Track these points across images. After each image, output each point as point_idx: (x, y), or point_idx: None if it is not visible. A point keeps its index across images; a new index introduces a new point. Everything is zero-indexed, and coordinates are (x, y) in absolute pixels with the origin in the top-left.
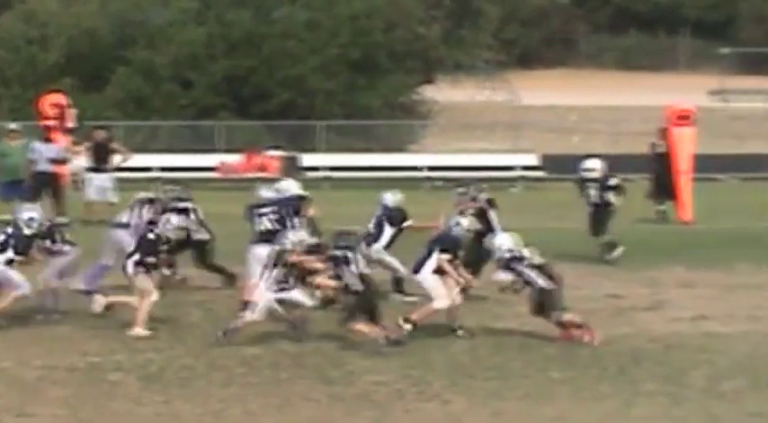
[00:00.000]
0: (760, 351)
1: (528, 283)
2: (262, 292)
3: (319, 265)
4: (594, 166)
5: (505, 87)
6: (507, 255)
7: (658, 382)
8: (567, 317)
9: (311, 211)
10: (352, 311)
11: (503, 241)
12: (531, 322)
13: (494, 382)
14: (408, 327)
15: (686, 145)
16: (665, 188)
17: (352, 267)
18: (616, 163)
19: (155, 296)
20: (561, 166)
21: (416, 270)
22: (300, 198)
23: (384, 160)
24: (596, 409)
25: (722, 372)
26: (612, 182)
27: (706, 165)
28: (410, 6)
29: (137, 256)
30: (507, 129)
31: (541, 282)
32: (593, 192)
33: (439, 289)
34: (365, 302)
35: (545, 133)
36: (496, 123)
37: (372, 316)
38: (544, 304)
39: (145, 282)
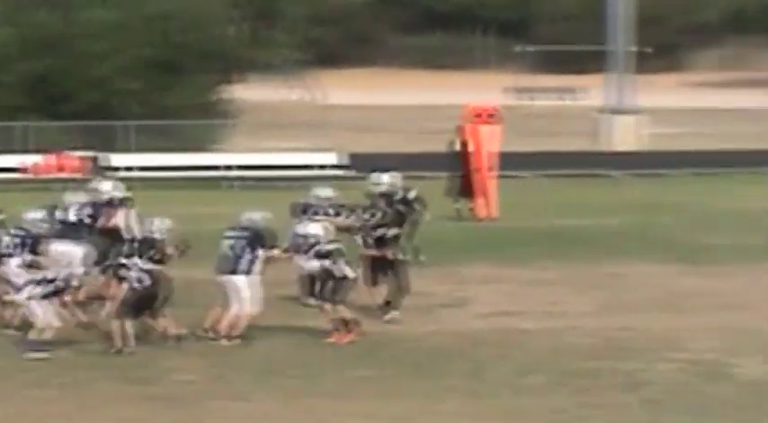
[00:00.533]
0: (562, 346)
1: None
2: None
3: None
4: (383, 181)
5: (312, 86)
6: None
7: (462, 378)
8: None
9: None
10: (127, 306)
11: (313, 230)
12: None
13: (299, 379)
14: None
15: (487, 143)
16: (461, 186)
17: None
18: (419, 161)
19: None
20: (367, 164)
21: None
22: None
23: (192, 160)
24: (401, 406)
25: (525, 367)
26: (412, 195)
27: (508, 162)
28: (215, 7)
29: None
30: (314, 128)
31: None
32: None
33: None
34: (147, 298)
35: (351, 132)
36: (303, 122)
37: (151, 310)
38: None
39: None
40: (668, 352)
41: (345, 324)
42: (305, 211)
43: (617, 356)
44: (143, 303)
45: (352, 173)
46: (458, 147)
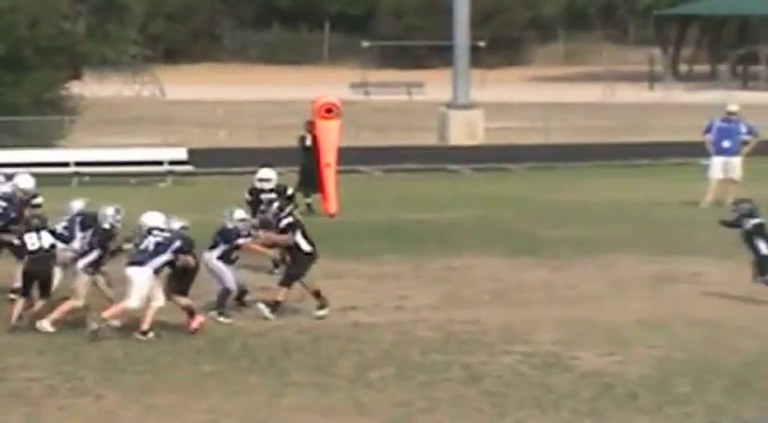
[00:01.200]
0: (406, 340)
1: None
2: None
3: None
4: (270, 176)
5: (152, 82)
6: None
7: (308, 373)
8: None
9: None
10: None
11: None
12: (183, 316)
13: (146, 376)
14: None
15: (331, 137)
16: (311, 181)
17: None
18: (264, 156)
19: None
20: (208, 159)
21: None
22: None
23: (33, 156)
24: (246, 401)
25: (370, 361)
26: (290, 191)
27: (350, 157)
28: (55, 1)
29: None
30: (155, 123)
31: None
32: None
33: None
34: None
35: (192, 127)
36: (144, 118)
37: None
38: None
39: None
40: (509, 345)
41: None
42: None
43: (460, 349)
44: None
45: (190, 168)
46: (309, 142)
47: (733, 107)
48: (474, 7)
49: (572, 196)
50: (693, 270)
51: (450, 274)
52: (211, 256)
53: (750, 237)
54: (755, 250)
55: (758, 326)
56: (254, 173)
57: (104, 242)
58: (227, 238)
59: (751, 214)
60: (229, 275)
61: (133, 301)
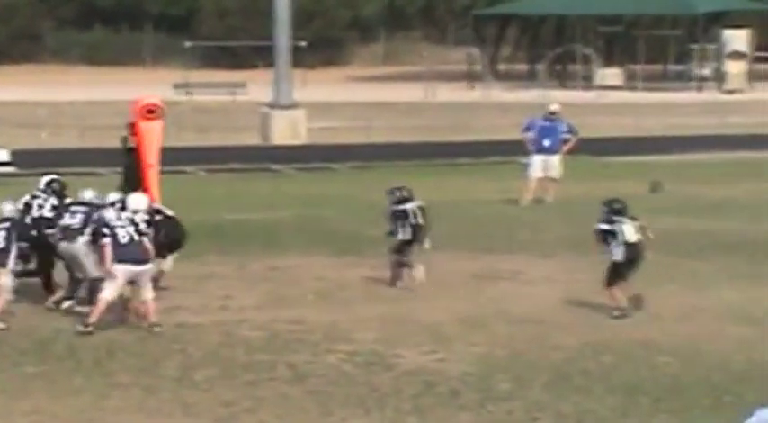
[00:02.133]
0: (231, 340)
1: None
2: None
3: None
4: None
5: None
6: None
7: (133, 374)
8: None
9: None
10: None
11: None
12: (7, 317)
13: None
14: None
15: (154, 138)
16: (135, 182)
17: None
18: (85, 157)
19: None
20: (32, 161)
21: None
22: None
23: None
24: (71, 403)
25: (195, 361)
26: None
27: (173, 157)
28: None
29: None
30: None
31: None
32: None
33: None
34: None
35: (15, 129)
36: None
37: None
38: None
39: None
40: (333, 344)
41: None
42: None
43: (285, 349)
44: None
45: (13, 170)
46: (132, 143)
47: (554, 107)
48: (295, 8)
49: None
50: (513, 268)
51: (275, 273)
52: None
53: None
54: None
55: (578, 323)
56: (82, 173)
57: None
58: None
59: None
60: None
61: None
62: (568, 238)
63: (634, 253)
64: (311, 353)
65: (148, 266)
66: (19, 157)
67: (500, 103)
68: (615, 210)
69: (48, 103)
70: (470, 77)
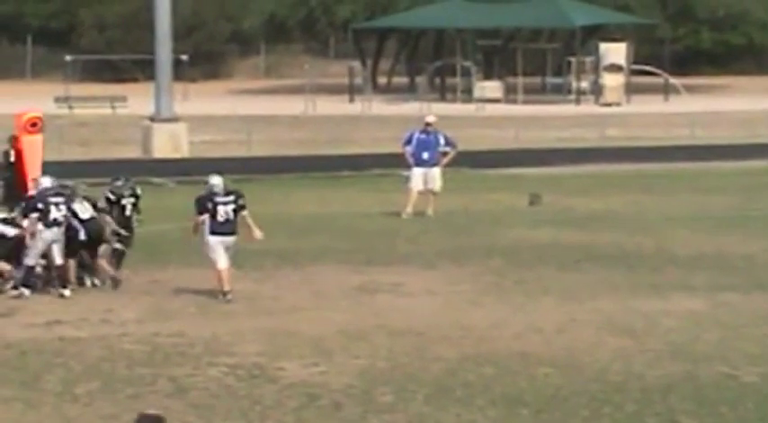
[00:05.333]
0: (113, 354)
1: None
2: None
3: None
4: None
5: None
6: None
7: (14, 388)
8: None
9: None
10: None
11: None
12: None
13: None
14: None
15: (37, 152)
16: (16, 196)
17: None
18: None
19: None
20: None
21: None
22: None
23: None
24: None
25: (77, 375)
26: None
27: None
28: None
29: None
30: None
31: None
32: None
33: None
34: None
35: None
36: None
37: None
38: None
39: None
40: (215, 357)
41: None
42: None
43: (166, 362)
44: None
45: None
46: (12, 157)
47: (430, 118)
48: (176, 20)
49: (274, 208)
50: (395, 280)
51: (156, 286)
52: None
53: None
54: None
55: (458, 334)
56: None
57: None
58: None
59: None
60: None
61: None
62: (448, 251)
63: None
64: (193, 366)
65: None
66: None
67: (380, 115)
68: None
69: None
70: (351, 90)
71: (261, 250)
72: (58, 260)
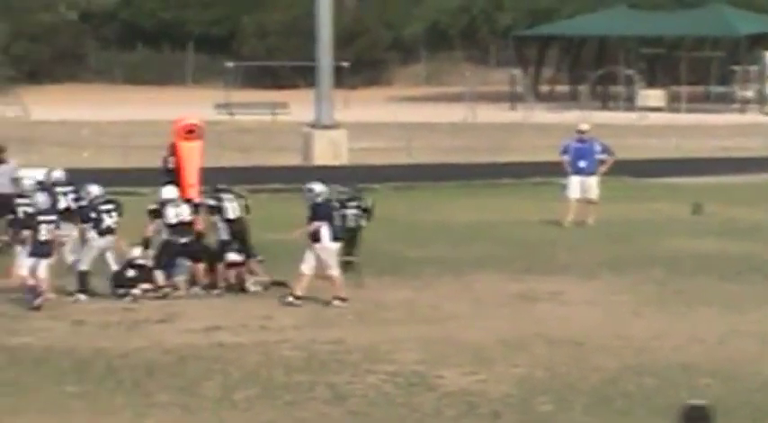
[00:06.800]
0: (271, 360)
1: None
2: None
3: None
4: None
5: (16, 103)
6: None
7: (172, 393)
8: None
9: None
10: None
11: None
12: (47, 336)
13: (9, 397)
14: None
15: (194, 158)
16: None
17: None
18: (127, 177)
19: None
20: (72, 180)
21: None
22: None
23: None
24: (111, 422)
25: (235, 381)
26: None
27: (214, 177)
28: None
29: None
30: (18, 144)
31: None
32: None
33: None
34: None
35: (56, 148)
36: (7, 138)
37: None
38: None
39: None
40: (373, 364)
41: None
42: None
43: (325, 369)
44: None
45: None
46: (172, 164)
47: (583, 126)
48: (337, 28)
49: (435, 216)
50: (554, 289)
51: (315, 293)
52: None
53: None
54: None
55: (618, 344)
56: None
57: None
58: None
59: None
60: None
61: None
62: (609, 260)
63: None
64: (351, 373)
65: None
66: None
67: (541, 124)
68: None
69: (90, 123)
70: (512, 98)
71: (420, 258)
72: (84, 266)
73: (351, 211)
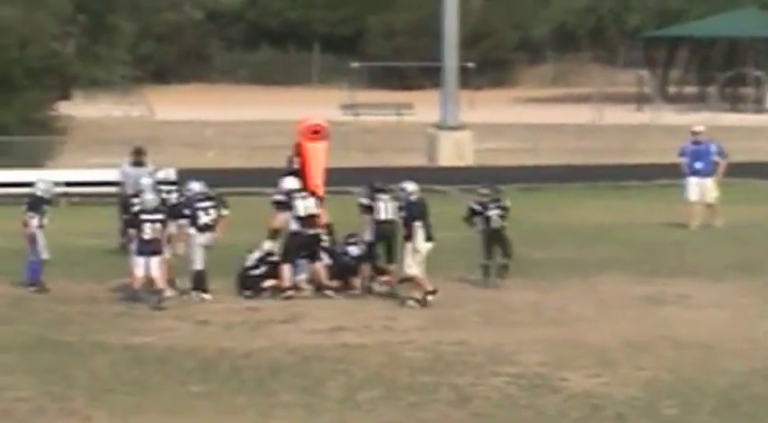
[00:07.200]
0: (395, 361)
1: None
2: None
3: None
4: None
5: (141, 103)
6: None
7: (296, 394)
8: None
9: None
10: None
11: None
12: (171, 336)
13: (134, 396)
14: None
15: (319, 159)
16: None
17: None
18: (251, 177)
19: None
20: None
21: None
22: None
23: (21, 176)
24: (235, 421)
25: (359, 382)
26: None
27: (339, 178)
28: (45, 22)
29: None
30: (144, 144)
31: None
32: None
33: None
34: None
35: (181, 148)
36: (133, 138)
37: None
38: None
39: None
40: (497, 366)
41: None
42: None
43: (449, 371)
44: None
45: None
46: (296, 164)
47: (698, 128)
48: (463, 28)
49: (561, 218)
50: (681, 291)
51: (439, 295)
52: None
53: None
54: None
55: (746, 347)
56: (247, 194)
57: None
58: None
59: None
60: None
61: None
62: (736, 262)
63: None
64: (475, 375)
65: None
66: (185, 177)
67: (669, 125)
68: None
69: (215, 123)
70: (639, 100)
71: (546, 260)
72: (198, 265)
73: (494, 213)
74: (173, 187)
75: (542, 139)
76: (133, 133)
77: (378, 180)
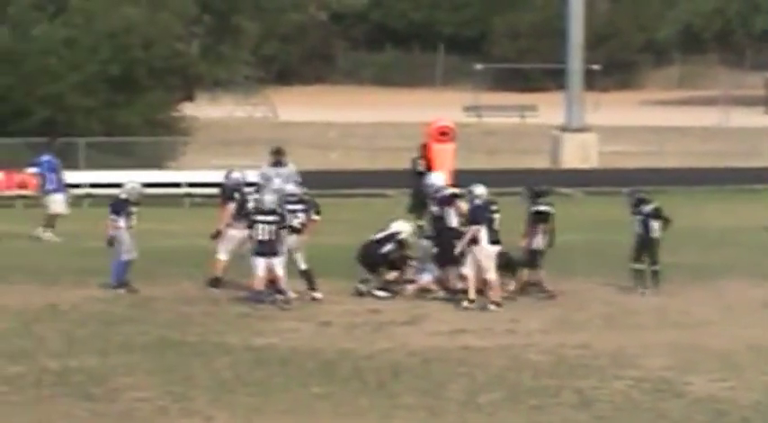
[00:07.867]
0: (517, 364)
1: None
2: None
3: None
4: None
5: (264, 103)
6: None
7: (417, 396)
8: None
9: None
10: None
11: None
12: (292, 337)
13: (256, 397)
14: None
15: (446, 161)
16: (422, 204)
17: None
18: (374, 179)
19: None
20: (320, 181)
21: None
22: None
23: (145, 177)
24: None
25: (480, 384)
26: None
27: (461, 180)
28: (169, 23)
29: None
30: (267, 145)
31: None
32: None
33: None
34: None
35: (304, 149)
36: (256, 139)
37: None
38: None
39: None
40: (620, 369)
41: None
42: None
43: (571, 374)
44: None
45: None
46: (422, 166)
47: None
48: (588, 30)
49: (686, 221)
50: None
51: (562, 297)
52: None
53: None
54: None
55: None
56: (370, 195)
57: None
58: None
59: None
60: None
61: None
62: None
63: None
64: (598, 378)
65: None
66: (308, 178)
67: None
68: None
69: (338, 124)
70: (767, 102)
71: (672, 264)
72: (302, 265)
73: (655, 223)
74: (251, 188)
75: (668, 142)
76: (256, 134)
77: (536, 183)
